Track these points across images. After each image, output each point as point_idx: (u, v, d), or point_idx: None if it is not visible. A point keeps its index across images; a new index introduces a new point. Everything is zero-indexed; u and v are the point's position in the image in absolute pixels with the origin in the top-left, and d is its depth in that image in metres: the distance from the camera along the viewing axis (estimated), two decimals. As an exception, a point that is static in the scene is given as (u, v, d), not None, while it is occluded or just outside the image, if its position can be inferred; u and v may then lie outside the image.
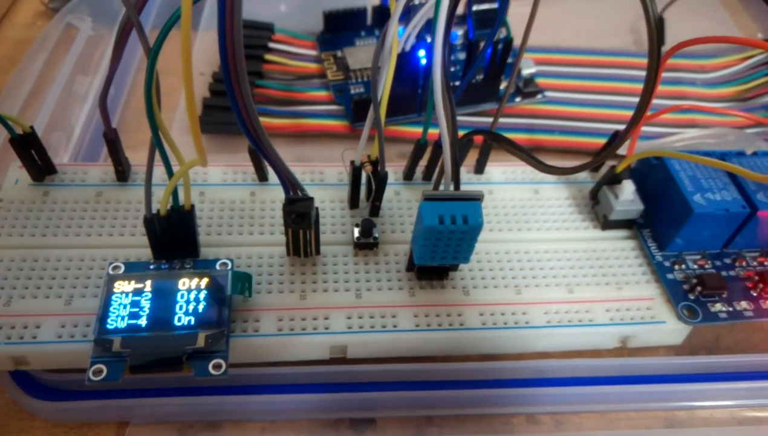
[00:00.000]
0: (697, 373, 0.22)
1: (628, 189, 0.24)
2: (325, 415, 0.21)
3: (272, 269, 0.22)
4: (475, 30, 0.30)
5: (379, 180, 0.22)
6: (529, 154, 0.23)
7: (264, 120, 0.30)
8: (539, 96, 0.31)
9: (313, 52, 0.33)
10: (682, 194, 0.22)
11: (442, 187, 0.20)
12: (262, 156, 0.19)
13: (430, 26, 0.19)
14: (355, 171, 0.23)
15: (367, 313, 0.21)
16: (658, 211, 0.24)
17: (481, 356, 0.22)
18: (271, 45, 0.32)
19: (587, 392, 0.21)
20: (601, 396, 0.21)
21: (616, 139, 0.23)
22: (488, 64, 0.29)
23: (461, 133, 0.23)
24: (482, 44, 0.29)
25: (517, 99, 0.31)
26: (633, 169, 0.25)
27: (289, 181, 0.19)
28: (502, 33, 0.32)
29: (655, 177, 0.24)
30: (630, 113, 0.31)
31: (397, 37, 0.20)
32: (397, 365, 0.21)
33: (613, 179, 0.24)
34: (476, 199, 0.19)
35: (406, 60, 0.27)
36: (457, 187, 0.19)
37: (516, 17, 0.33)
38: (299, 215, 0.20)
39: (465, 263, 0.20)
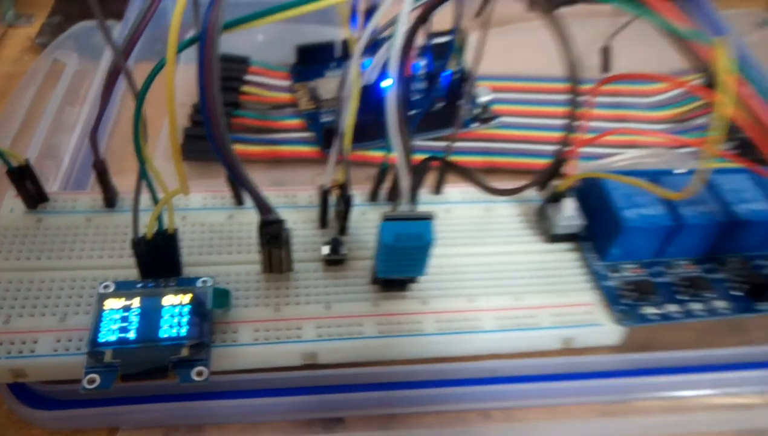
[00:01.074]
0: (632, 369, 0.24)
1: (569, 206, 0.26)
2: (299, 416, 0.23)
3: (249, 284, 0.24)
4: (434, 61, 0.33)
5: (346, 202, 0.25)
6: (474, 178, 0.26)
7: (241, 148, 0.32)
8: (495, 121, 0.34)
9: (286, 83, 0.35)
10: (614, 210, 0.25)
11: (401, 208, 0.22)
12: (237, 182, 0.22)
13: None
14: (324, 194, 0.25)
15: (335, 323, 0.23)
16: (597, 225, 0.27)
17: (439, 358, 0.24)
18: (247, 77, 0.35)
19: (534, 388, 0.23)
20: (546, 391, 0.24)
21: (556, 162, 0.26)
22: (447, 93, 0.32)
23: (420, 157, 0.26)
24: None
25: (474, 124, 0.33)
26: (578, 188, 0.28)
27: (261, 205, 0.21)
28: (462, 64, 0.35)
29: (593, 195, 0.27)
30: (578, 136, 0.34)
31: (359, 70, 0.23)
32: (364, 368, 0.23)
33: (556, 198, 0.27)
34: (428, 218, 0.21)
35: (371, 90, 0.30)
36: (412, 208, 0.22)
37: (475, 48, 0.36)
38: (272, 236, 0.22)
39: (422, 275, 0.23)
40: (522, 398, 0.24)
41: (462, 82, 0.32)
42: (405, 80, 0.22)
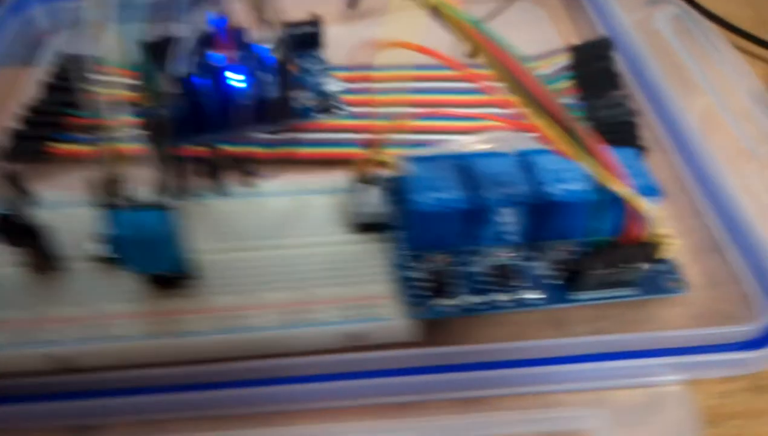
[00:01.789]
0: (424, 366, 0.22)
1: (371, 194, 0.25)
2: (54, 422, 0.21)
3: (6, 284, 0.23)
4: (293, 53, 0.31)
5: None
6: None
7: (74, 148, 0.31)
8: (342, 111, 0.32)
9: (129, 81, 0.34)
10: (406, 195, 0.23)
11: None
12: None
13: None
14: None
15: (95, 323, 0.22)
16: (401, 213, 0.25)
17: (214, 359, 0.22)
18: (92, 76, 0.34)
19: (309, 389, 0.22)
20: (322, 392, 0.22)
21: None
22: (281, 85, 0.30)
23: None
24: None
25: (319, 115, 0.32)
26: (391, 177, 0.26)
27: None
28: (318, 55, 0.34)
29: (397, 181, 0.25)
30: (432, 124, 0.32)
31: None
32: (126, 372, 0.22)
33: (360, 186, 0.25)
34: (164, 208, 0.20)
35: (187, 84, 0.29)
36: (158, 198, 0.21)
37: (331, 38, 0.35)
38: (16, 231, 0.21)
39: (182, 270, 0.21)
40: (296, 401, 0.22)
41: (285, 72, 0.30)
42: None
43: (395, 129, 0.29)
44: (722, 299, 0.26)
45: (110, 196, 0.23)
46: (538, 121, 0.20)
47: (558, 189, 0.24)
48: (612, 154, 0.20)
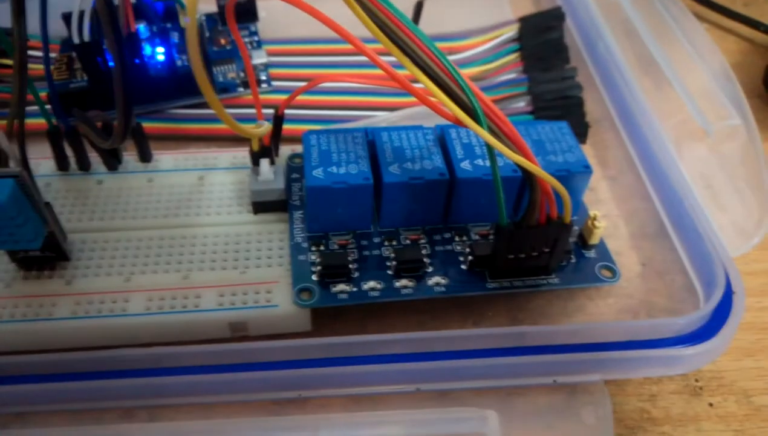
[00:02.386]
0: (312, 358, 0.20)
1: (264, 169, 0.22)
2: None
3: None
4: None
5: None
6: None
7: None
8: (265, 85, 0.30)
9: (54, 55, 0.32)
10: (305, 171, 0.21)
11: None
12: None
13: None
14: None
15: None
16: (302, 192, 0.23)
17: (78, 348, 0.20)
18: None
19: (181, 381, 0.19)
20: (206, 385, 0.20)
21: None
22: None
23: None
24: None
25: (240, 89, 0.30)
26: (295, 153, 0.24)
27: None
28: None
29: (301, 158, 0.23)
30: (358, 99, 0.30)
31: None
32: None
33: (255, 161, 0.23)
34: (9, 176, 0.18)
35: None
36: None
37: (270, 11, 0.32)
38: None
39: (34, 246, 0.19)
40: (174, 394, 0.20)
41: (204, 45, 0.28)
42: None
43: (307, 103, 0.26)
44: (659, 290, 0.23)
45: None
46: (426, 84, 0.17)
47: (464, 166, 0.21)
48: (513, 127, 0.18)
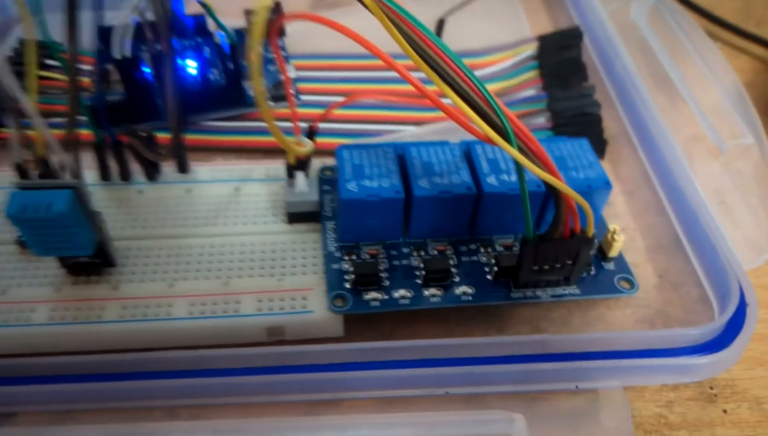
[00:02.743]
0: (346, 362, 0.21)
1: (300, 182, 0.24)
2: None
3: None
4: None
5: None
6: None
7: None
8: (297, 100, 0.31)
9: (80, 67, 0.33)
10: (338, 183, 0.22)
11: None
12: None
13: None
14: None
15: (5, 308, 0.21)
16: (335, 204, 0.24)
17: (126, 349, 0.21)
18: (50, 62, 0.33)
19: (224, 382, 0.21)
20: (244, 386, 0.21)
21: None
22: (226, 71, 0.30)
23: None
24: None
25: (270, 103, 0.31)
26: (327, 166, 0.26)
27: None
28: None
29: (333, 170, 0.24)
30: (385, 114, 0.31)
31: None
32: (36, 359, 0.21)
33: (290, 173, 0.24)
34: (67, 188, 0.19)
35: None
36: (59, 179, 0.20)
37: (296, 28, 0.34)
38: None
39: (86, 253, 0.20)
40: (213, 394, 0.21)
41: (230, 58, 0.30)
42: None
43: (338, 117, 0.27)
44: (675, 301, 0.24)
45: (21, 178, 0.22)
46: (457, 103, 0.18)
47: (492, 180, 0.23)
48: (540, 145, 0.19)
